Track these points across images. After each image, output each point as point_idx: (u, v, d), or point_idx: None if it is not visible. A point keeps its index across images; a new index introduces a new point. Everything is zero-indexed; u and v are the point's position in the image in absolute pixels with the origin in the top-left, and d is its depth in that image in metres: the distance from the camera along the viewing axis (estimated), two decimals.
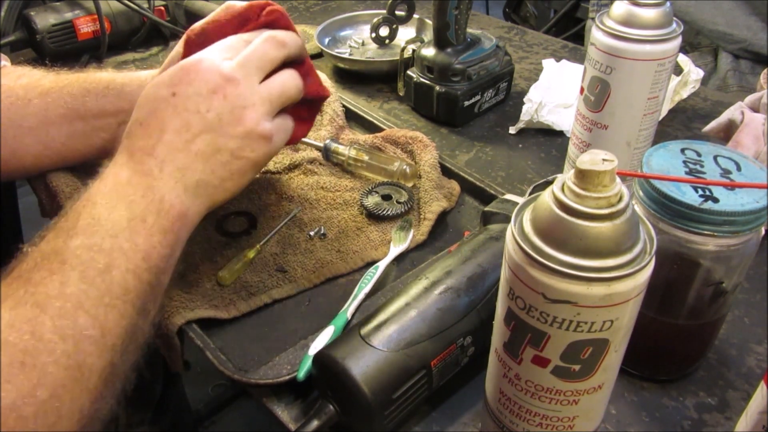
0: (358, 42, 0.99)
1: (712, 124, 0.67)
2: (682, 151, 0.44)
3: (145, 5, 1.00)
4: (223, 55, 0.52)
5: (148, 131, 0.49)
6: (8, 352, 0.36)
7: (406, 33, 0.96)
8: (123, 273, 0.43)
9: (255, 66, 0.52)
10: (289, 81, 0.55)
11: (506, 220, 0.51)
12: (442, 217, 0.65)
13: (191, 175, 0.49)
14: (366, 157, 0.70)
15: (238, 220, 0.65)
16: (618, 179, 0.31)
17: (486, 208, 0.57)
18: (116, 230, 0.44)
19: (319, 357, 0.44)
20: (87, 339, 0.39)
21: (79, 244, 0.42)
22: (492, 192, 0.66)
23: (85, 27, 0.96)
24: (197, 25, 0.58)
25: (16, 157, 0.63)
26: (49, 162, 0.65)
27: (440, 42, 0.79)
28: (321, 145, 0.72)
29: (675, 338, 0.48)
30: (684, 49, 1.27)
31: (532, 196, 0.35)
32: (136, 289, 0.43)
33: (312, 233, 0.63)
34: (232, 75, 0.50)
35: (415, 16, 0.97)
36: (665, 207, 0.41)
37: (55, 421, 0.37)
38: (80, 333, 0.39)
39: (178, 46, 0.60)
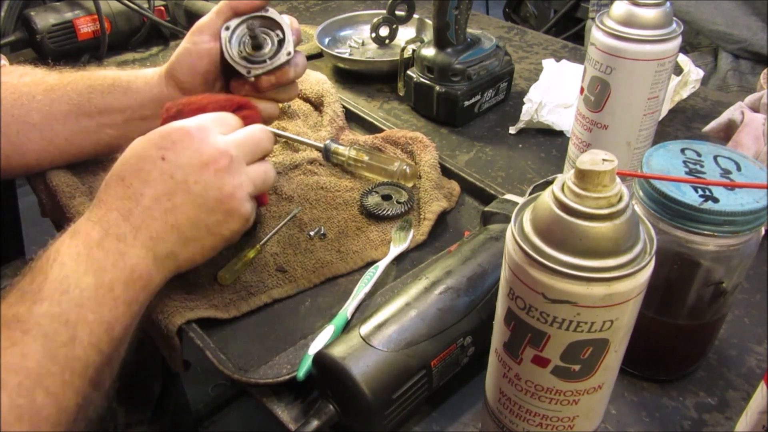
0: (358, 42, 0.99)
1: (712, 124, 0.67)
2: (682, 151, 0.44)
3: (145, 5, 1.00)
4: (218, 129, 0.52)
5: (128, 191, 0.47)
6: None
7: (406, 33, 0.96)
8: (85, 347, 0.41)
9: (249, 150, 0.53)
10: (270, 171, 0.55)
11: (506, 220, 0.51)
12: (442, 217, 0.65)
13: (163, 246, 0.47)
14: (366, 158, 0.70)
15: None
16: (618, 179, 0.31)
17: (486, 208, 0.57)
18: (83, 299, 0.42)
19: (319, 357, 0.44)
20: (44, 420, 0.38)
21: (44, 311, 0.40)
22: (492, 192, 0.66)
23: (85, 27, 0.96)
24: (174, 104, 0.57)
25: (19, 152, 0.63)
26: (52, 158, 0.65)
27: (440, 42, 0.79)
28: (321, 145, 0.72)
29: (675, 338, 0.48)
30: (684, 49, 1.27)
31: (532, 196, 0.35)
32: (95, 364, 0.42)
33: (312, 233, 0.63)
34: (227, 151, 0.50)
35: (415, 16, 0.97)
36: (665, 207, 0.41)
37: None
38: (37, 414, 0.37)
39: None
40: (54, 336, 0.40)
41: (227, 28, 0.61)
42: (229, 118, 0.55)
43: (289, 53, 0.61)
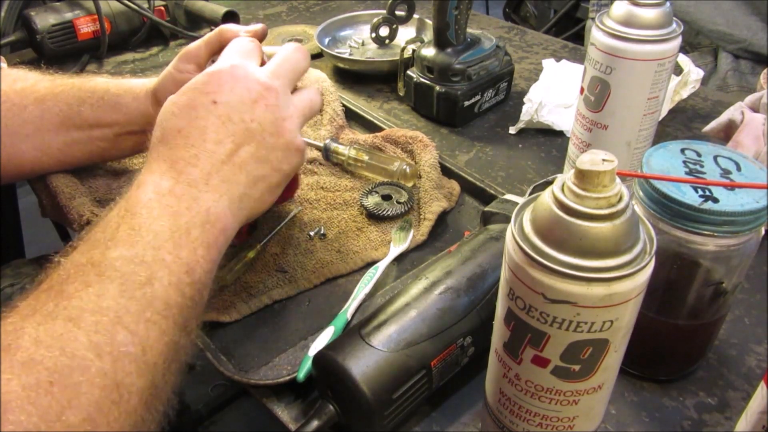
0: (358, 42, 0.99)
1: (712, 124, 0.67)
2: (682, 151, 0.44)
3: (145, 5, 1.00)
4: (251, 62, 0.51)
5: (189, 140, 0.46)
6: (34, 371, 0.32)
7: (406, 33, 0.96)
8: (165, 287, 0.39)
9: (288, 77, 0.52)
10: (315, 97, 0.55)
11: (506, 220, 0.51)
12: (442, 217, 0.65)
13: (236, 188, 0.46)
14: (366, 157, 0.70)
15: None
16: (618, 179, 0.31)
17: (486, 208, 0.57)
18: (158, 242, 0.40)
19: (319, 357, 0.44)
20: (126, 357, 0.36)
21: (118, 255, 0.39)
22: (492, 192, 0.66)
23: (85, 27, 0.96)
24: None
25: (13, 162, 0.63)
26: (48, 167, 0.65)
27: (440, 42, 0.79)
28: (321, 145, 0.72)
29: (675, 338, 0.48)
30: (684, 49, 1.27)
31: (532, 196, 0.35)
32: (179, 305, 0.40)
33: (312, 233, 0.63)
34: (271, 84, 0.49)
35: (415, 16, 0.97)
36: (665, 207, 0.41)
37: None
38: (118, 350, 0.35)
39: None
40: (131, 276, 0.38)
41: (213, 62, 0.59)
42: (246, 44, 0.53)
43: None
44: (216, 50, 0.61)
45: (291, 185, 0.56)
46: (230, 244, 0.49)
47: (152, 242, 0.40)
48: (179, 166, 0.45)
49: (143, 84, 0.64)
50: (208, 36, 0.61)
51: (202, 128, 0.46)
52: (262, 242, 0.61)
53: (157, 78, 0.63)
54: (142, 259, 0.39)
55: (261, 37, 0.59)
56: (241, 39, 0.54)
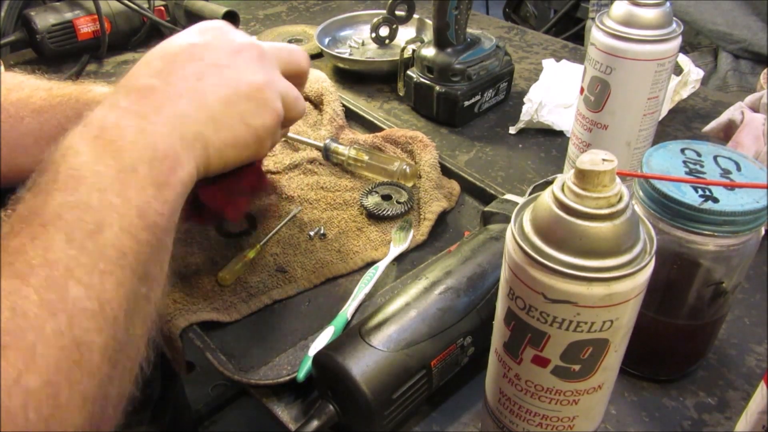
0: (358, 42, 0.99)
1: (712, 124, 0.67)
2: (682, 151, 0.44)
3: (145, 5, 1.00)
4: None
5: (151, 70, 0.43)
6: None
7: (406, 33, 0.96)
8: (116, 233, 0.36)
9: (283, 57, 0.51)
10: (301, 100, 0.53)
11: (506, 220, 0.51)
12: (442, 217, 0.65)
13: (191, 125, 0.43)
14: (366, 157, 0.70)
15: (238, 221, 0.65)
16: (618, 179, 0.31)
17: (486, 208, 0.57)
18: (104, 183, 0.37)
19: (319, 357, 0.44)
20: (82, 312, 0.33)
21: (61, 201, 0.36)
22: (492, 192, 0.66)
23: (85, 27, 0.96)
24: None
25: (16, 171, 0.62)
26: None
27: (440, 42, 0.79)
28: (321, 144, 0.72)
29: (675, 338, 0.48)
30: (684, 49, 1.27)
31: (532, 196, 0.35)
32: (134, 251, 0.37)
33: (312, 233, 0.63)
34: (258, 44, 0.48)
35: (415, 16, 0.97)
36: (665, 207, 0.41)
37: (52, 412, 0.31)
38: (73, 306, 0.33)
39: None
40: (77, 224, 0.35)
41: None
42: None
43: None
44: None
45: (259, 181, 0.54)
46: (231, 216, 0.50)
47: (96, 184, 0.37)
48: (131, 97, 0.42)
49: None
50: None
51: (170, 61, 0.44)
52: (262, 242, 0.61)
53: None
54: (87, 204, 0.36)
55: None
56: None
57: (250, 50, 0.47)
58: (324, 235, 0.63)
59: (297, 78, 0.53)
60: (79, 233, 0.35)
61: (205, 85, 0.44)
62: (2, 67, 0.83)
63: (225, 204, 0.51)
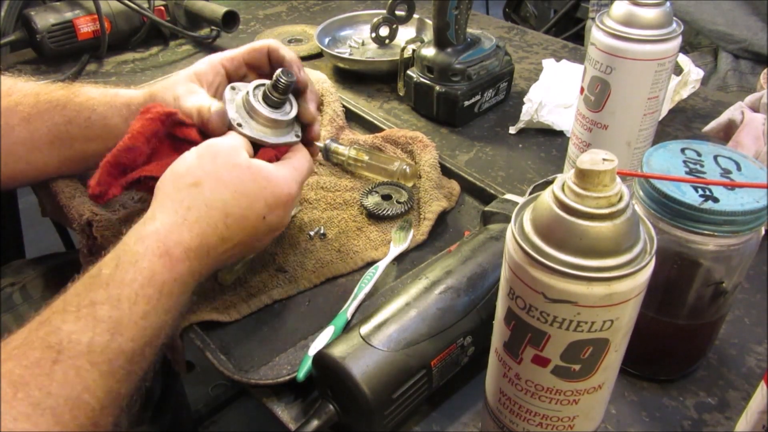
0: (358, 42, 0.99)
1: (712, 124, 0.67)
2: (682, 151, 0.44)
3: (145, 5, 1.00)
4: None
5: (225, 228, 0.49)
6: None
7: (406, 33, 0.96)
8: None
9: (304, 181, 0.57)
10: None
11: (506, 220, 0.51)
12: (442, 217, 0.65)
13: (211, 264, 0.50)
14: (366, 157, 0.70)
15: None
16: (618, 179, 0.31)
17: (486, 208, 0.57)
18: (152, 337, 0.44)
19: (319, 357, 0.44)
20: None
21: (118, 347, 0.42)
22: (492, 192, 0.66)
23: (85, 27, 0.96)
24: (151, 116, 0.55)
25: (13, 180, 0.62)
26: (47, 177, 0.65)
27: (440, 42, 0.79)
28: (321, 145, 0.72)
29: (675, 338, 0.48)
30: (684, 49, 1.27)
31: (532, 196, 0.35)
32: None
33: (312, 233, 0.63)
34: (297, 194, 0.54)
35: (415, 16, 0.97)
36: (665, 207, 0.41)
37: None
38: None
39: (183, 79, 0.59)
40: (118, 372, 0.42)
41: (233, 89, 0.57)
42: (310, 166, 0.57)
43: (297, 135, 0.58)
44: (256, 66, 0.61)
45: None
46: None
47: (148, 337, 0.44)
48: (202, 251, 0.48)
49: (130, 93, 0.62)
50: (246, 50, 0.60)
51: (241, 228, 0.50)
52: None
53: (146, 89, 0.61)
54: (141, 353, 0.43)
55: (299, 86, 0.59)
56: (310, 163, 0.57)
57: (289, 205, 0.53)
58: (324, 235, 0.63)
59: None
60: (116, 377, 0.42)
61: (239, 249, 0.52)
62: None
63: None
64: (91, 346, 0.41)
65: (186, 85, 0.58)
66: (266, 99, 0.55)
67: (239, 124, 0.54)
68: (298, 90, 0.58)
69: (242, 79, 0.61)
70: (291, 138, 0.57)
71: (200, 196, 0.48)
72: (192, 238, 0.47)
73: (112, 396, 0.41)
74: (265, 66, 0.61)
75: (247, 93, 0.55)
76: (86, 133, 0.61)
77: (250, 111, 0.55)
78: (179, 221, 0.47)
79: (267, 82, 0.56)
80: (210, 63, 0.60)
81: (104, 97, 0.62)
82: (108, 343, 0.41)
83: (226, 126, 0.55)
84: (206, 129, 0.55)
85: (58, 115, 0.61)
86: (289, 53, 0.60)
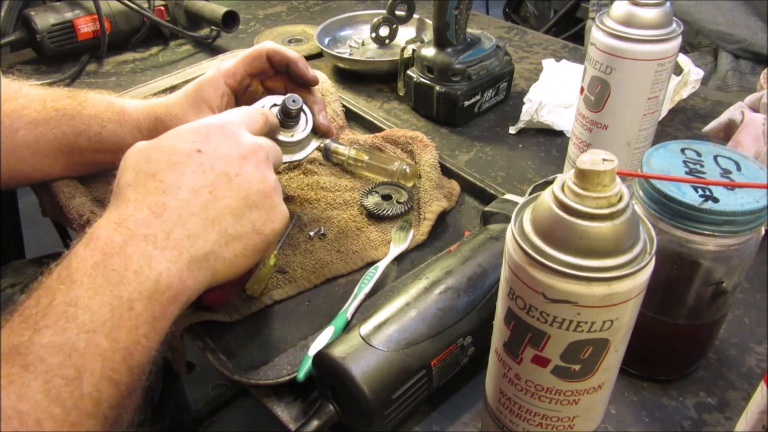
0: (358, 42, 0.99)
1: (712, 124, 0.67)
2: (682, 151, 0.44)
3: (145, 5, 1.00)
4: (246, 127, 0.49)
5: (161, 185, 0.41)
6: None
7: (406, 33, 0.96)
8: (96, 381, 0.35)
9: (274, 156, 0.50)
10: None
11: (506, 220, 0.50)
12: (442, 217, 0.65)
13: (201, 245, 0.41)
14: (366, 157, 0.70)
15: None
16: (618, 179, 0.31)
17: (486, 208, 0.57)
18: (95, 323, 0.36)
19: (319, 357, 0.44)
20: None
21: (48, 341, 0.34)
22: (492, 192, 0.66)
23: (85, 27, 0.96)
24: None
25: (16, 180, 0.63)
26: (52, 179, 0.65)
27: (440, 42, 0.79)
28: (321, 145, 0.72)
29: (675, 338, 0.48)
30: (684, 49, 1.27)
31: (532, 196, 0.35)
32: (110, 399, 0.36)
33: (312, 233, 0.63)
34: (262, 144, 0.47)
35: (415, 16, 0.97)
36: (665, 207, 0.41)
37: None
38: None
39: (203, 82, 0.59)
40: (58, 370, 0.34)
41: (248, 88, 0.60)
42: (257, 115, 0.51)
43: (316, 137, 0.59)
44: (258, 74, 0.60)
45: (233, 284, 0.49)
46: (215, 303, 0.48)
47: (87, 324, 0.36)
48: (140, 215, 0.40)
49: (138, 121, 0.61)
50: (236, 64, 0.59)
51: (179, 174, 0.42)
52: (277, 247, 0.61)
53: (152, 113, 0.61)
54: (73, 346, 0.35)
55: (310, 85, 0.58)
56: (252, 110, 0.52)
57: (257, 153, 0.46)
58: (324, 235, 0.63)
59: None
60: (57, 380, 0.34)
61: (216, 198, 0.43)
62: None
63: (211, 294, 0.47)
64: (16, 347, 0.34)
65: (193, 111, 0.58)
66: (281, 123, 0.56)
67: None
68: (308, 82, 0.58)
69: (246, 89, 0.62)
70: (312, 145, 0.59)
71: (121, 184, 0.43)
72: (121, 212, 0.40)
73: None
74: (268, 70, 0.61)
75: None
76: (96, 146, 0.62)
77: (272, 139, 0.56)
78: (106, 212, 0.42)
79: (278, 99, 0.57)
80: (213, 87, 0.60)
81: (113, 113, 0.62)
82: (31, 338, 0.35)
83: None
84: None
85: (66, 125, 0.61)
86: (291, 53, 0.59)
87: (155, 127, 0.60)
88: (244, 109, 0.52)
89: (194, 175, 0.43)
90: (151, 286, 0.38)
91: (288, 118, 0.57)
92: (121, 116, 0.62)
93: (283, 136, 0.57)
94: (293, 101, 0.56)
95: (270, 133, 0.55)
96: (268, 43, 0.60)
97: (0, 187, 0.61)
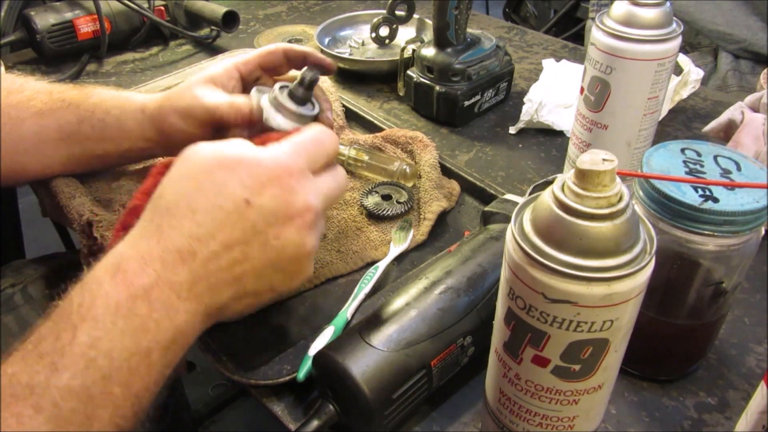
0: (358, 42, 0.99)
1: (712, 124, 0.67)
2: (682, 151, 0.44)
3: (145, 5, 1.00)
4: (312, 167, 0.44)
5: (197, 230, 0.39)
6: None
7: (406, 33, 0.96)
8: (104, 427, 0.36)
9: (331, 202, 0.47)
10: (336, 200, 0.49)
11: (506, 220, 0.50)
12: (442, 217, 0.65)
13: (218, 298, 0.41)
14: (366, 157, 0.70)
15: None
16: (618, 179, 0.31)
17: (486, 208, 0.57)
18: (111, 370, 0.36)
19: (319, 357, 0.44)
20: None
21: (64, 386, 0.34)
22: (492, 192, 0.66)
23: (85, 27, 0.96)
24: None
25: (17, 173, 0.62)
26: (52, 175, 0.65)
27: (440, 42, 0.79)
28: None
29: (675, 338, 0.48)
30: (684, 49, 1.27)
31: (532, 196, 0.35)
32: None
33: None
34: (316, 206, 0.43)
35: (415, 16, 0.97)
36: (665, 207, 0.41)
37: None
38: None
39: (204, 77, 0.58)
40: (70, 416, 0.34)
41: (259, 90, 0.58)
42: (328, 144, 0.46)
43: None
44: (271, 68, 0.60)
45: None
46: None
47: (104, 369, 0.36)
48: (168, 257, 0.39)
49: (144, 104, 0.61)
50: (244, 60, 0.59)
51: (218, 222, 0.40)
52: None
53: (159, 95, 0.61)
54: (88, 392, 0.35)
55: (329, 72, 0.58)
56: (325, 135, 0.47)
57: (304, 216, 0.42)
58: (324, 235, 0.63)
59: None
60: (68, 426, 0.34)
61: (246, 258, 0.41)
62: (2, 68, 0.83)
63: None
64: (31, 386, 0.34)
65: (204, 86, 0.58)
66: (292, 96, 0.56)
67: (266, 119, 0.55)
68: (328, 68, 0.58)
69: (256, 81, 0.62)
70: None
71: (161, 203, 0.41)
72: (151, 246, 0.39)
73: None
74: (281, 67, 0.61)
75: (274, 91, 0.56)
76: (99, 134, 0.61)
77: (278, 107, 0.56)
78: (137, 236, 0.40)
79: (290, 84, 0.57)
80: (224, 67, 0.60)
81: (118, 100, 0.62)
82: (48, 379, 0.34)
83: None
84: (242, 120, 0.54)
85: (71, 113, 0.61)
86: (306, 48, 0.60)
87: (160, 105, 0.60)
88: (315, 140, 0.46)
89: (233, 228, 0.40)
90: (170, 337, 0.38)
91: (302, 87, 0.57)
92: (125, 102, 0.62)
93: (290, 104, 0.57)
94: (312, 71, 0.56)
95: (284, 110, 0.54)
96: (283, 44, 0.61)
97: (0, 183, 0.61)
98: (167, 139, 0.60)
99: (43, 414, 0.34)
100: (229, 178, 0.41)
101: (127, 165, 0.70)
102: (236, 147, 0.43)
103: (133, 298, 0.37)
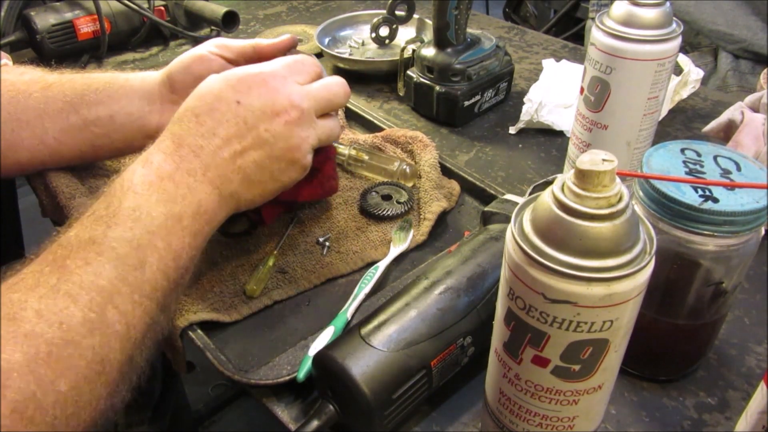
0: (358, 42, 0.99)
1: (712, 124, 0.67)
2: (682, 151, 0.44)
3: (145, 5, 1.00)
4: (294, 77, 0.53)
5: (201, 129, 0.49)
6: (35, 343, 0.36)
7: (406, 33, 0.96)
8: (154, 272, 0.43)
9: (322, 105, 0.54)
10: (336, 128, 0.57)
11: (506, 220, 0.51)
12: (442, 217, 0.65)
13: (228, 186, 0.50)
14: (366, 157, 0.70)
15: (239, 221, 0.64)
16: (618, 179, 0.31)
17: (486, 208, 0.57)
18: (154, 227, 0.44)
19: (319, 357, 0.44)
20: (113, 335, 0.40)
21: (118, 236, 0.42)
22: (492, 192, 0.66)
23: (85, 27, 0.96)
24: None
25: (12, 150, 0.63)
26: (43, 158, 0.64)
27: (440, 42, 0.79)
28: None
29: (675, 338, 0.48)
30: (684, 49, 1.27)
31: (532, 196, 0.35)
32: (163, 288, 0.44)
33: (321, 239, 0.62)
34: (299, 104, 0.52)
35: (415, 16, 0.97)
36: (665, 207, 0.41)
37: (73, 411, 0.37)
38: (108, 328, 0.40)
39: (192, 53, 0.62)
40: (126, 259, 0.42)
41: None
42: (308, 64, 0.55)
43: None
44: (248, 61, 0.62)
45: (330, 184, 0.61)
46: (262, 226, 0.60)
47: (148, 226, 0.44)
48: (183, 152, 0.48)
49: (150, 74, 0.65)
50: (243, 46, 0.62)
51: (217, 121, 0.49)
52: (277, 247, 0.61)
53: (162, 70, 0.64)
54: (138, 243, 0.43)
55: (289, 48, 0.62)
56: (306, 58, 0.56)
57: (289, 112, 0.51)
58: (328, 239, 0.63)
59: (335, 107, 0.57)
60: (125, 267, 0.42)
61: (244, 150, 0.50)
62: (10, 60, 0.84)
63: (263, 210, 0.58)
64: (93, 238, 0.42)
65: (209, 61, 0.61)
66: None
67: None
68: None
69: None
70: None
71: (174, 117, 0.51)
72: (168, 146, 0.48)
73: (128, 285, 0.42)
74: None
75: None
76: (100, 97, 0.63)
77: None
78: (158, 141, 0.49)
79: None
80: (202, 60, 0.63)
81: (125, 75, 0.66)
82: (105, 232, 0.42)
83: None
84: (268, 51, 0.61)
85: (80, 82, 0.64)
86: (280, 39, 0.62)
87: (163, 81, 0.63)
88: (295, 59, 0.55)
89: (229, 125, 0.50)
90: (195, 208, 0.47)
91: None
92: (132, 75, 0.65)
93: None
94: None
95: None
96: (263, 40, 0.63)
97: None
98: (171, 97, 0.63)
99: (105, 257, 0.41)
100: (223, 86, 0.51)
101: (115, 158, 0.70)
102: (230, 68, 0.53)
103: (160, 178, 0.46)
